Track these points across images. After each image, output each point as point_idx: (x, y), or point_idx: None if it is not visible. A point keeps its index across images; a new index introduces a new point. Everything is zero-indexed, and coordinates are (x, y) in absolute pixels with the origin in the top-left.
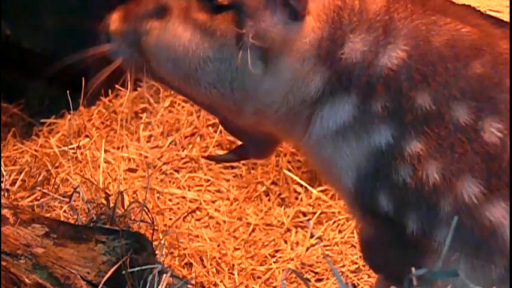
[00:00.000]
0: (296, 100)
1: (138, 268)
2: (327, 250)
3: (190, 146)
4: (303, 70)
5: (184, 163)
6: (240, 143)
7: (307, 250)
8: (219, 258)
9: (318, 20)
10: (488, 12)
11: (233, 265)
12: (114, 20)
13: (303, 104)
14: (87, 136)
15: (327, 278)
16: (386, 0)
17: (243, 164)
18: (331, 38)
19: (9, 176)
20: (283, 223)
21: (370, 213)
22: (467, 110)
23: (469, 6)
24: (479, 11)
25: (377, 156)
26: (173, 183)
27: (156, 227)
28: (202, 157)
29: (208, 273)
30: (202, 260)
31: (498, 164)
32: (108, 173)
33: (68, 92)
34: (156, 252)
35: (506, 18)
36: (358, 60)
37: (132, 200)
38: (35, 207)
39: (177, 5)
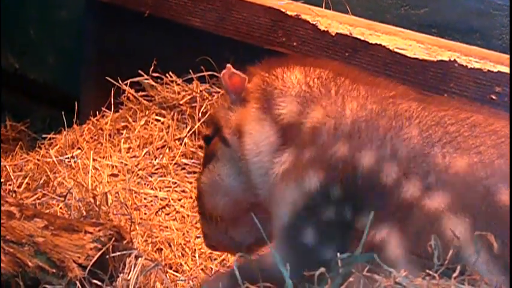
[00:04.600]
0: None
1: (119, 253)
2: None
3: (161, 155)
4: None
5: (156, 169)
6: None
7: None
8: (184, 244)
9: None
10: (395, 50)
11: (195, 249)
12: None
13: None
14: (79, 148)
15: None
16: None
17: None
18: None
19: (17, 180)
20: None
21: None
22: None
23: None
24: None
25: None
26: (147, 185)
27: (133, 220)
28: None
29: (175, 256)
30: (170, 246)
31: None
32: (95, 178)
33: (63, 113)
34: (134, 240)
35: (410, 55)
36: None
37: (114, 199)
38: (37, 205)
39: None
